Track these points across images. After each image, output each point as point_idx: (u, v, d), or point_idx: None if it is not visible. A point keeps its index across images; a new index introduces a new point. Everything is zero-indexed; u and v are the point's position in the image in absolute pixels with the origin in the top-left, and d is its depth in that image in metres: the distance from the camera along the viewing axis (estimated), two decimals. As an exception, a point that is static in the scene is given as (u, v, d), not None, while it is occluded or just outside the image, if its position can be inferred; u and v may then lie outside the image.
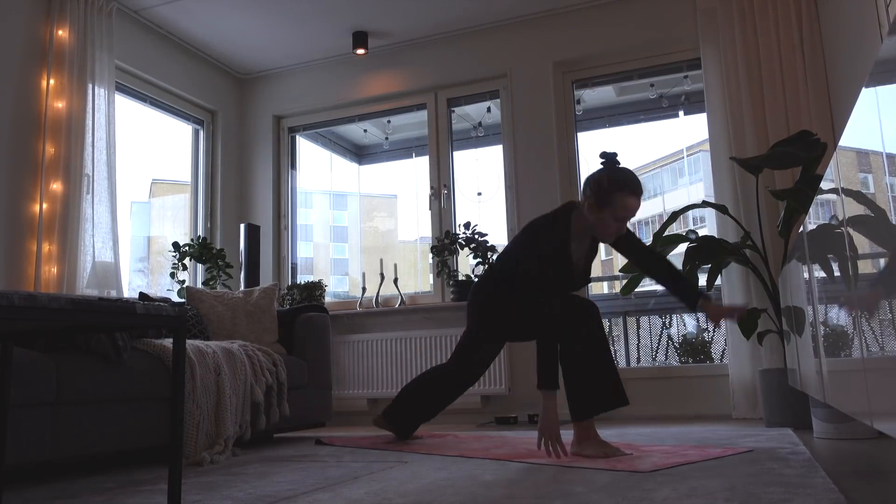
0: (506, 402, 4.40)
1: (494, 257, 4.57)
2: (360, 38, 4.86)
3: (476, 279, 3.06)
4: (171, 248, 4.53)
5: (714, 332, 4.45)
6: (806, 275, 2.28)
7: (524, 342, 3.05)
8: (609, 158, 2.70)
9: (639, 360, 4.68)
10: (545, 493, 1.84)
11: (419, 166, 5.15)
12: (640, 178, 2.71)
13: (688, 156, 4.82)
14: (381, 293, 4.88)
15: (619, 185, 2.62)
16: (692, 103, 4.61)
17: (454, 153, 5.01)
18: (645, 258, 2.87)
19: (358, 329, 4.81)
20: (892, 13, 2.49)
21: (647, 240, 4.28)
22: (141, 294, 3.66)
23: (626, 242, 2.86)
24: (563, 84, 4.72)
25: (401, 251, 5.71)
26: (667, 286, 2.86)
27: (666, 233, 3.69)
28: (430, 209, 4.93)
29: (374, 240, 5.94)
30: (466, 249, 4.63)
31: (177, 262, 4.50)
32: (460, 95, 5.00)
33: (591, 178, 2.70)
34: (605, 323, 5.32)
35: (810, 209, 2.21)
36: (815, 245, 2.01)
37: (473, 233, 4.61)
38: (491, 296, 2.91)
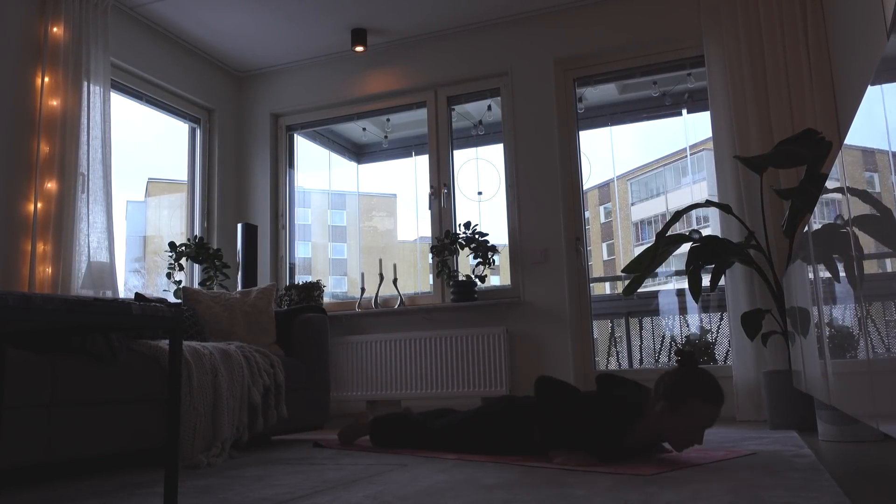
0: (506, 403, 4.36)
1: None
2: (358, 36, 4.83)
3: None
4: (168, 248, 4.50)
5: (717, 333, 4.42)
6: (811, 275, 2.25)
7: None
8: (688, 358, 2.43)
9: (641, 361, 4.66)
10: (546, 496, 1.81)
11: (419, 165, 5.12)
12: (719, 383, 2.41)
13: (691, 154, 4.79)
14: (380, 293, 4.86)
15: (698, 392, 2.34)
16: (695, 101, 4.59)
17: (454, 152, 4.98)
18: None
19: (357, 330, 4.79)
20: (899, 9, 2.45)
21: (650, 239, 4.25)
22: (137, 294, 3.63)
23: None
24: (565, 82, 4.69)
25: (400, 251, 5.69)
26: None
27: (669, 232, 3.66)
28: (430, 209, 4.90)
29: (373, 240, 5.91)
30: (467, 249, 4.60)
31: (173, 262, 4.47)
32: (460, 93, 4.97)
33: (668, 379, 2.41)
34: (607, 324, 5.29)
35: (815, 208, 2.18)
36: (820, 245, 1.99)
37: (474, 232, 4.59)
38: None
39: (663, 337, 4.67)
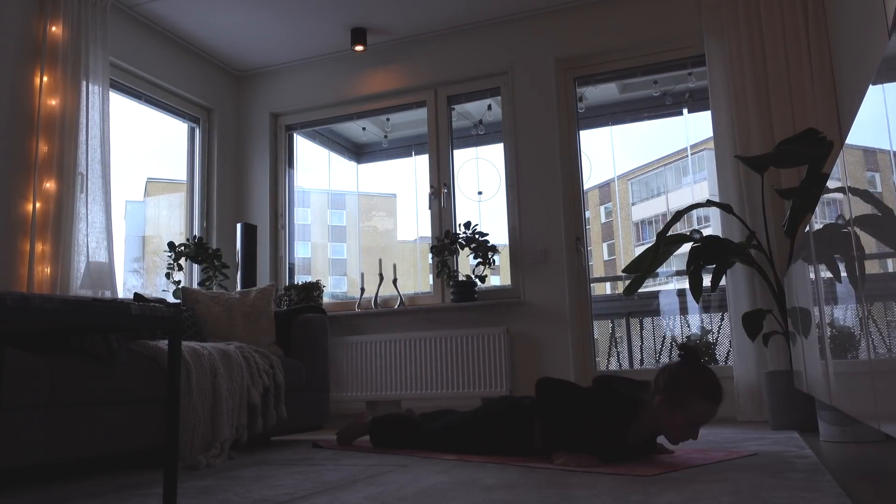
0: (506, 404, 4.35)
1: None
2: (358, 35, 4.82)
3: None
4: (167, 248, 4.49)
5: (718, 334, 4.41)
6: (812, 275, 2.25)
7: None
8: (690, 353, 2.43)
9: (642, 361, 4.65)
10: (547, 497, 1.80)
11: (419, 165, 5.12)
12: (719, 381, 2.41)
13: (692, 154, 4.78)
14: (379, 294, 4.85)
15: (699, 390, 2.35)
16: (696, 101, 4.58)
17: (454, 151, 4.97)
18: None
19: (356, 330, 4.78)
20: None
21: (651, 239, 4.24)
22: (136, 295, 3.62)
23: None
24: (565, 81, 4.68)
25: (400, 251, 5.68)
26: None
27: (670, 232, 3.65)
28: (430, 208, 4.89)
29: (372, 239, 5.91)
30: (467, 249, 4.59)
31: (172, 262, 4.46)
32: (460, 93, 4.96)
33: (669, 374, 2.41)
34: (608, 324, 5.28)
35: (816, 208, 2.18)
36: (821, 245, 1.99)
37: (474, 232, 4.58)
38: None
39: (664, 337, 4.65)
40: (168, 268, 4.47)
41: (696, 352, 2.45)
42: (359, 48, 4.87)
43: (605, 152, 4.94)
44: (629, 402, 2.47)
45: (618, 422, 2.43)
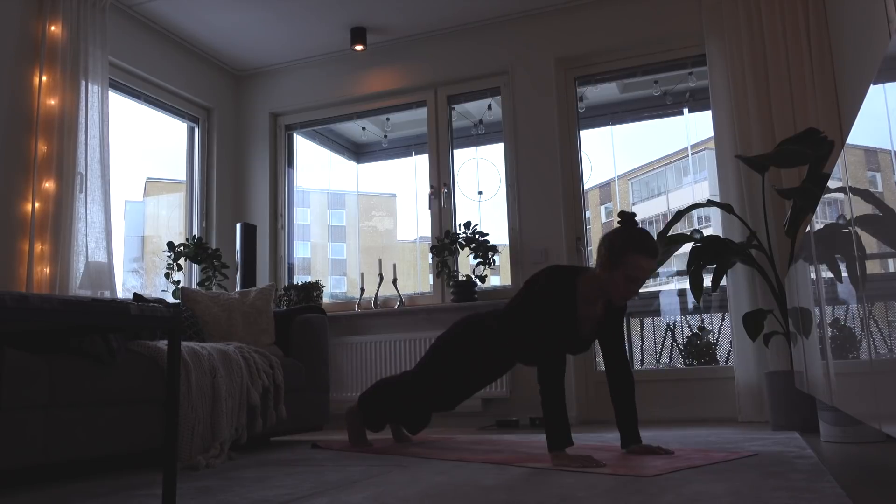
0: (507, 406, 4.35)
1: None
2: (358, 34, 4.82)
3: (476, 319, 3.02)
4: (166, 248, 4.49)
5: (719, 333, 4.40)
6: (813, 275, 2.24)
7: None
8: (626, 218, 2.64)
9: (642, 362, 4.64)
10: (546, 497, 1.79)
11: (419, 165, 5.11)
12: (656, 240, 2.65)
13: (692, 154, 4.76)
14: (379, 294, 4.84)
15: (632, 244, 2.56)
16: (697, 100, 4.56)
17: (454, 151, 4.96)
18: (615, 357, 2.76)
19: (356, 330, 4.77)
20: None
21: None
22: (135, 295, 3.62)
23: (614, 321, 2.78)
24: (566, 81, 4.67)
25: (400, 251, 5.67)
26: (616, 405, 2.72)
27: (670, 232, 3.64)
28: (430, 208, 4.89)
29: (372, 240, 5.89)
30: (467, 249, 4.59)
31: (171, 262, 4.46)
32: (461, 92, 4.95)
33: (606, 237, 2.65)
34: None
35: (817, 208, 2.17)
36: (822, 245, 1.98)
37: (474, 232, 4.57)
38: (489, 331, 2.91)
39: (664, 337, 4.64)
40: (167, 268, 4.46)
41: (632, 216, 2.63)
42: (359, 48, 4.86)
43: (606, 152, 4.92)
44: (569, 270, 2.69)
45: (564, 291, 2.61)
